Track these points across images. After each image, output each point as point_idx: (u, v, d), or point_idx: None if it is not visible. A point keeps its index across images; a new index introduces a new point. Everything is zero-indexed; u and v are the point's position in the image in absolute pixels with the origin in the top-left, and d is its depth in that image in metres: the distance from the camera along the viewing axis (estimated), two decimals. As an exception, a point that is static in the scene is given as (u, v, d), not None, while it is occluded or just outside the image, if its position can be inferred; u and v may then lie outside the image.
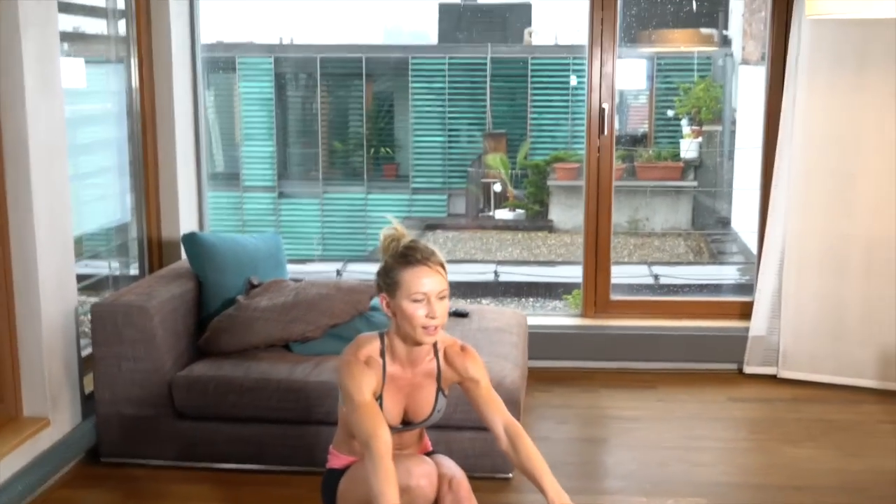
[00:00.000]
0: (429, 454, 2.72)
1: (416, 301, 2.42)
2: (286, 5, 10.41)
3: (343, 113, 11.17)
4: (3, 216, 3.25)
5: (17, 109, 3.21)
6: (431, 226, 10.65)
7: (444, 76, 10.52)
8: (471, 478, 3.34)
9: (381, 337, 2.57)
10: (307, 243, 10.72)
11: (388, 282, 2.47)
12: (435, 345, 2.59)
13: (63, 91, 3.47)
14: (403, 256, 2.45)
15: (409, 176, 10.73)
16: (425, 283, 2.43)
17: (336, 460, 2.69)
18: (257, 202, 10.85)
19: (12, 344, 3.33)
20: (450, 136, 10.64)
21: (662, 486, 3.42)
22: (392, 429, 2.52)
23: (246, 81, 10.97)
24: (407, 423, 2.62)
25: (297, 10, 10.59)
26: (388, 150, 11.06)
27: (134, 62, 4.30)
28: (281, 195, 11.04)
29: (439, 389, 2.61)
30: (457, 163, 10.74)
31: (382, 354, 2.54)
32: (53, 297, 3.41)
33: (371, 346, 2.55)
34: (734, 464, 3.69)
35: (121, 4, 4.24)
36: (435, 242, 9.20)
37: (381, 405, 2.51)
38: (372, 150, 10.96)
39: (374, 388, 2.50)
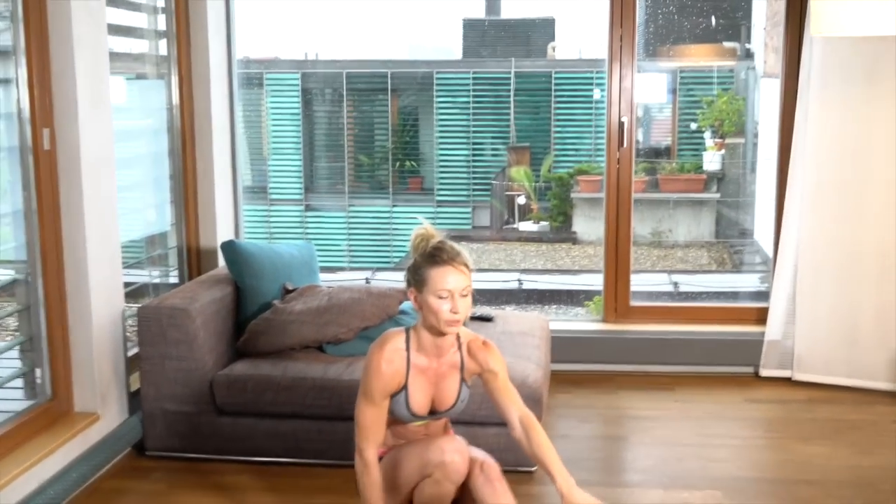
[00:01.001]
0: None
1: (441, 297, 2.63)
2: (312, 21, 10.62)
3: (369, 127, 11.36)
4: (57, 225, 3.48)
5: (70, 124, 3.44)
6: (456, 238, 10.77)
7: (468, 90, 10.71)
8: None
9: (407, 332, 2.77)
10: (334, 254, 10.92)
11: (416, 278, 2.68)
12: (459, 339, 2.79)
13: (112, 107, 3.69)
14: (431, 256, 2.66)
15: (433, 189, 10.90)
16: (450, 280, 2.63)
17: None
18: (284, 215, 11.08)
19: (65, 344, 3.55)
20: (474, 149, 10.81)
21: (679, 480, 3.59)
22: (419, 418, 2.74)
23: (274, 96, 11.21)
24: (433, 412, 2.81)
25: (323, 25, 10.79)
26: (413, 163, 11.23)
27: (175, 80, 4.52)
28: (308, 208, 11.26)
29: (462, 380, 2.81)
30: (481, 176, 10.91)
31: (408, 347, 2.74)
32: (103, 301, 3.64)
33: (397, 339, 2.75)
34: (749, 460, 3.84)
35: (161, 25, 4.47)
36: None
37: (406, 395, 2.72)
38: (397, 164, 11.13)
39: (392, 387, 2.72)
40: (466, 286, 2.66)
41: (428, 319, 2.69)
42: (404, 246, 10.63)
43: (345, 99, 11.09)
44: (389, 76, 10.86)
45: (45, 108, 3.38)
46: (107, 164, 3.66)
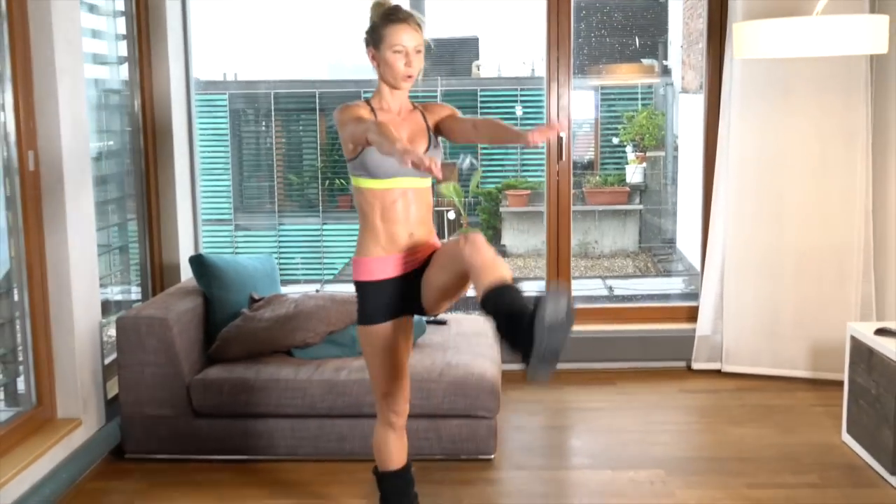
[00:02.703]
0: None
1: (396, 52, 2.89)
2: (230, 42, 10.64)
3: (297, 146, 11.52)
4: (41, 241, 3.67)
5: (53, 147, 3.65)
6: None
7: (396, 109, 10.94)
8: (457, 459, 3.86)
9: (367, 100, 3.00)
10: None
11: (374, 37, 2.93)
12: (415, 105, 3.06)
13: (88, 129, 3.91)
14: (387, 15, 2.92)
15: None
16: (404, 37, 2.89)
17: (359, 268, 2.98)
18: (214, 234, 11.13)
19: (49, 354, 3.75)
20: (402, 167, 10.98)
21: (625, 461, 3.93)
22: (396, 167, 2.84)
23: (202, 118, 11.29)
24: None
25: (242, 46, 10.82)
26: (342, 181, 11.41)
27: (137, 102, 4.72)
28: (237, 227, 11.38)
29: (428, 129, 3.03)
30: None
31: (370, 106, 2.96)
32: (83, 312, 3.84)
33: (357, 102, 2.97)
34: (687, 442, 4.20)
35: (122, 51, 4.67)
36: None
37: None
38: (326, 182, 11.30)
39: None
40: (419, 43, 2.91)
41: (385, 76, 2.94)
42: (335, 263, 10.87)
43: (273, 119, 11.23)
44: (317, 96, 11.05)
45: (29, 132, 3.59)
46: (86, 184, 3.87)
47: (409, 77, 2.93)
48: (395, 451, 3.15)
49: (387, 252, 2.96)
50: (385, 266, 2.97)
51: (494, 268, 2.69)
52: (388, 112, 3.00)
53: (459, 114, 3.09)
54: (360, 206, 2.98)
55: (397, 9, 2.94)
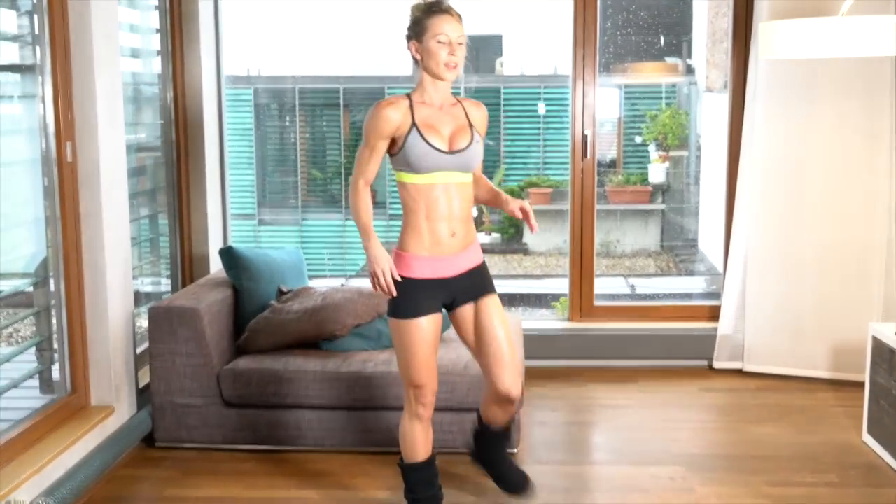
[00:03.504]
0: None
1: (440, 42, 2.97)
2: (256, 37, 10.72)
3: (321, 142, 11.59)
4: (77, 231, 3.76)
5: (91, 139, 3.73)
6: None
7: (419, 105, 11.00)
8: (468, 452, 3.85)
9: (408, 95, 3.08)
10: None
11: (416, 29, 3.02)
12: (458, 99, 3.15)
13: (124, 122, 3.99)
14: (429, 7, 3.02)
15: (386, 202, 11.17)
16: (447, 27, 2.98)
17: (399, 261, 3.09)
18: (238, 229, 11.24)
19: (83, 342, 3.83)
20: (425, 164, 11.03)
21: (645, 458, 3.98)
22: (444, 154, 3.01)
23: (227, 113, 11.38)
24: (453, 151, 3.05)
25: (268, 41, 10.89)
26: (366, 177, 11.49)
27: (170, 96, 4.81)
28: (261, 222, 11.48)
29: (471, 127, 3.11)
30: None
31: (411, 102, 3.04)
32: (117, 302, 3.92)
33: (397, 96, 3.06)
34: (706, 440, 4.25)
35: (156, 45, 4.76)
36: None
37: (419, 131, 2.99)
38: (350, 178, 11.37)
39: (395, 128, 3.00)
40: (461, 35, 3.01)
41: (429, 67, 3.01)
42: (357, 258, 10.94)
43: (297, 114, 11.31)
44: (342, 91, 11.13)
45: (67, 123, 3.67)
46: (121, 176, 3.95)
47: (454, 67, 3.00)
48: (420, 443, 3.22)
49: (430, 253, 3.06)
50: (424, 266, 3.06)
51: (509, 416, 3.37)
52: (429, 106, 3.06)
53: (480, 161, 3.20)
54: (404, 203, 3.07)
55: (440, 1, 3.03)
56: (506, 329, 3.20)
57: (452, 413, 3.89)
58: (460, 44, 3.00)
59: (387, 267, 3.03)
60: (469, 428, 3.61)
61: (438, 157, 3.00)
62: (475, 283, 3.17)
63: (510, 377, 3.17)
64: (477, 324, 3.17)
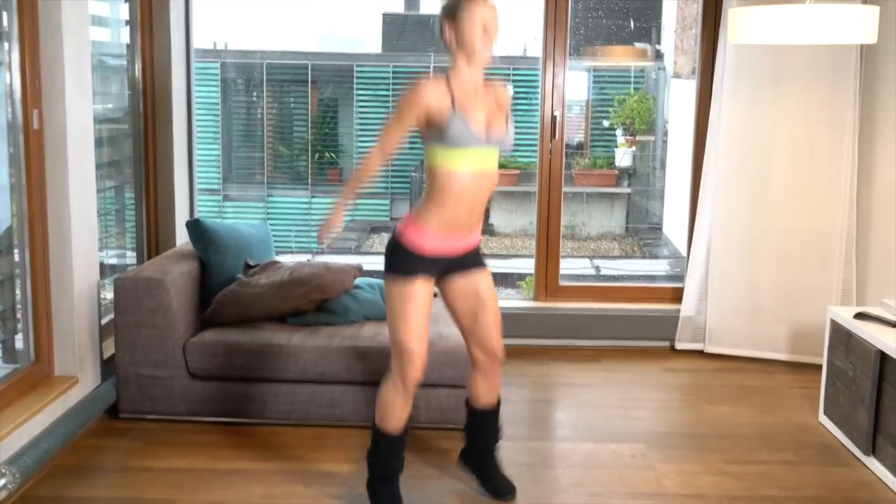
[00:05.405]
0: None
1: (475, 23, 2.98)
2: (224, 10, 10.59)
3: (288, 118, 11.53)
4: (43, 199, 3.73)
5: (58, 106, 3.69)
6: (375, 228, 11.10)
7: (388, 84, 10.96)
8: (444, 428, 3.94)
9: (445, 74, 3.08)
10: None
11: (451, 12, 3.02)
12: (492, 83, 3.18)
13: (91, 90, 3.95)
14: None
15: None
16: (483, 10, 3.00)
17: (410, 228, 3.11)
18: (202, 204, 11.17)
19: (48, 312, 3.81)
20: (393, 142, 11.01)
21: (607, 435, 4.03)
22: (479, 142, 3.04)
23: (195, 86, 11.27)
24: (488, 138, 3.08)
25: (235, 15, 10.79)
26: (331, 154, 11.44)
27: (138, 66, 4.77)
28: (226, 198, 11.41)
29: (503, 110, 3.17)
30: (399, 168, 11.17)
31: (448, 82, 3.04)
32: (82, 271, 3.90)
33: (434, 77, 3.06)
34: (667, 419, 4.31)
35: (125, 14, 4.71)
36: (380, 244, 9.68)
37: (463, 115, 3.00)
38: (316, 155, 11.33)
39: (434, 106, 2.98)
40: (496, 18, 3.02)
41: (465, 46, 3.00)
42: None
43: (265, 90, 11.23)
44: (310, 68, 11.06)
45: (34, 91, 3.63)
46: (88, 145, 3.92)
47: (490, 48, 3.03)
48: (397, 414, 3.23)
49: (446, 231, 3.10)
50: (437, 241, 3.11)
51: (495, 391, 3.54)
52: (465, 89, 3.06)
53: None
54: (434, 184, 3.06)
55: None
56: (495, 301, 3.33)
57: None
58: (495, 27, 3.03)
59: (333, 231, 3.13)
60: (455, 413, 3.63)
61: (474, 134, 3.02)
62: (472, 258, 3.27)
63: (498, 340, 3.35)
64: (473, 293, 3.26)
